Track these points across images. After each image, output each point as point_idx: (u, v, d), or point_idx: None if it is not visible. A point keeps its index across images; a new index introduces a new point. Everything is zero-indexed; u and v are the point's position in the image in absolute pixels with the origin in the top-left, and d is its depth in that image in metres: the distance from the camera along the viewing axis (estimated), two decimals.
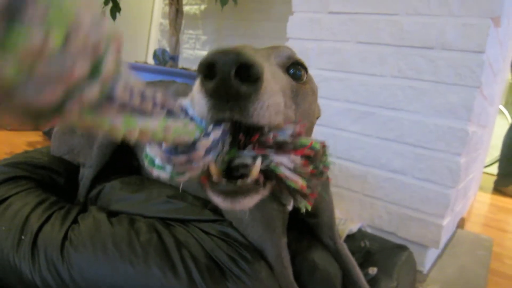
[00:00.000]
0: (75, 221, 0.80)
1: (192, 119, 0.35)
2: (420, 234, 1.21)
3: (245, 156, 0.37)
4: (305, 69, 0.51)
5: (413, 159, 1.23)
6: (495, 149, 3.46)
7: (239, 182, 0.36)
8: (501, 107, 3.78)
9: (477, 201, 2.69)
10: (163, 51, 2.20)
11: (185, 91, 1.01)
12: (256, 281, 0.64)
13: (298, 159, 0.37)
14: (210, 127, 0.35)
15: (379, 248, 1.03)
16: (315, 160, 0.39)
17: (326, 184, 0.80)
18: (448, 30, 1.15)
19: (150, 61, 2.78)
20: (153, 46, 3.07)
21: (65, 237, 0.73)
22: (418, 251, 1.22)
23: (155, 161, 0.37)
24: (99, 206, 0.92)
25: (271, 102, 0.35)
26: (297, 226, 0.82)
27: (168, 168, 0.36)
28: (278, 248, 0.69)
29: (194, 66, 2.58)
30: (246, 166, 0.37)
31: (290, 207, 0.72)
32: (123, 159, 1.07)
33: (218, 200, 0.37)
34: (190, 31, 2.71)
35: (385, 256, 1.00)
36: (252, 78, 0.33)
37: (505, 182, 3.06)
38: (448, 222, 1.26)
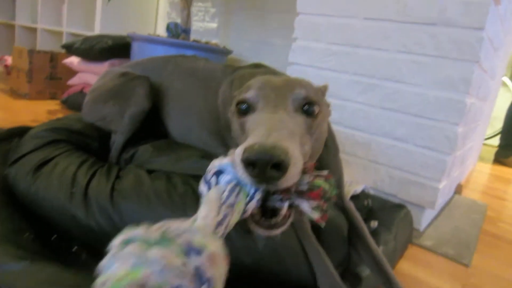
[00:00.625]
0: (117, 176, 0.92)
1: (237, 181, 0.47)
2: (418, 196, 1.33)
3: (275, 200, 0.49)
4: (318, 104, 0.59)
5: (414, 128, 1.34)
6: (498, 121, 3.52)
7: (273, 220, 0.49)
8: (506, 80, 3.81)
9: (477, 170, 2.80)
10: (176, 24, 2.28)
11: (211, 69, 1.11)
12: None
13: (314, 203, 0.49)
14: (252, 190, 0.47)
15: (380, 206, 1.15)
16: (325, 194, 0.50)
17: (335, 152, 0.89)
18: (450, 7, 1.23)
19: (159, 33, 2.85)
20: (161, 19, 3.13)
21: (112, 188, 0.85)
22: (416, 211, 1.34)
23: None
24: (133, 166, 1.03)
25: (294, 174, 0.46)
26: None
27: None
28: None
29: (204, 38, 2.66)
30: (275, 208, 0.50)
31: None
32: (151, 126, 1.18)
33: (259, 231, 0.50)
34: (200, 4, 2.77)
35: (385, 213, 1.12)
36: (282, 169, 0.44)
37: (506, 153, 3.16)
38: (444, 186, 1.38)
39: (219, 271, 0.35)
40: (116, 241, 0.36)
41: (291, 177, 0.45)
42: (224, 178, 0.48)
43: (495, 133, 3.78)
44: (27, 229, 0.85)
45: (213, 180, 0.49)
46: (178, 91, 1.12)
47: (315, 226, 0.82)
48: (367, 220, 1.05)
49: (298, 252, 0.77)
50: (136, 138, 1.13)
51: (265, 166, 0.42)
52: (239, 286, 0.71)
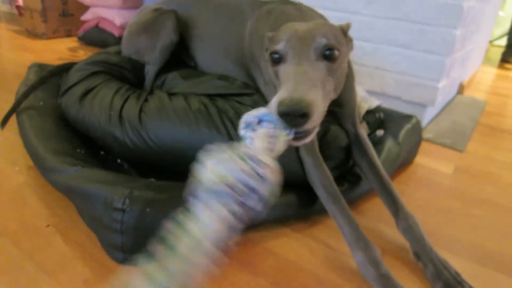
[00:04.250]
0: (145, 100, 1.07)
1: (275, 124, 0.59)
2: (420, 96, 1.50)
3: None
4: (337, 48, 0.68)
5: (416, 34, 1.46)
6: (509, 21, 3.51)
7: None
8: None
9: (482, 71, 2.90)
10: None
11: (237, 2, 1.18)
12: None
13: None
14: (288, 130, 0.59)
15: (391, 118, 1.27)
16: None
17: (352, 81, 0.99)
18: None
19: None
20: None
21: (140, 110, 1.01)
22: (419, 110, 1.52)
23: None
24: (164, 91, 1.20)
25: (316, 119, 0.58)
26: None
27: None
28: None
29: None
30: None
31: None
32: (182, 57, 1.33)
33: (295, 143, 0.63)
34: None
35: (394, 123, 1.24)
36: (306, 117, 0.56)
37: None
38: (444, 86, 1.53)
39: (275, 179, 0.51)
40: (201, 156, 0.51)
41: (313, 121, 0.59)
42: (265, 124, 0.60)
43: (505, 33, 3.77)
44: (80, 146, 1.02)
45: (255, 124, 0.62)
46: (206, 24, 1.24)
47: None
48: (375, 130, 1.20)
49: (294, 155, 0.90)
50: (168, 68, 1.28)
51: (295, 117, 0.57)
52: None
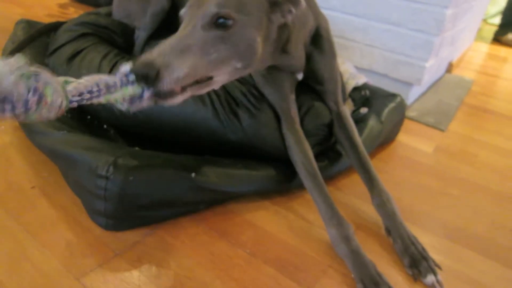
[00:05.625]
0: None
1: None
2: (407, 74, 1.51)
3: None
4: (232, 18, 0.68)
5: (408, 13, 1.45)
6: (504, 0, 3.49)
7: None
8: None
9: (473, 50, 2.91)
10: None
11: None
12: (258, 111, 0.93)
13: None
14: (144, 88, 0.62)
15: (376, 96, 1.27)
16: None
17: (331, 58, 0.98)
18: None
19: None
20: None
21: None
22: (404, 88, 1.53)
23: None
24: None
25: (170, 82, 0.60)
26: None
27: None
28: (286, 102, 0.94)
29: None
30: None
31: (299, 76, 0.96)
32: (170, 24, 1.31)
33: (159, 102, 0.65)
34: None
35: (379, 101, 1.25)
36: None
37: (504, 31, 3.21)
38: (432, 65, 1.54)
39: (46, 110, 0.52)
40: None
41: (166, 83, 0.61)
42: (123, 73, 0.63)
43: (499, 11, 3.76)
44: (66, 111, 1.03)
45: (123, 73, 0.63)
46: None
47: (300, 110, 0.98)
48: (360, 108, 1.21)
49: (276, 131, 0.93)
50: (159, 34, 1.26)
51: (143, 76, 0.60)
52: (227, 158, 0.90)
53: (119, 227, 0.77)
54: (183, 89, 0.64)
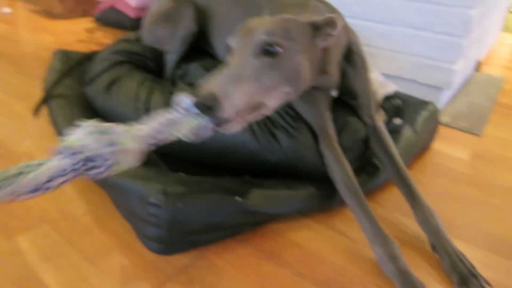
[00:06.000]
0: (170, 92, 1.10)
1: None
2: (436, 78, 1.50)
3: None
4: (281, 45, 0.71)
5: (432, 16, 1.45)
6: None
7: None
8: None
9: (500, 43, 2.85)
10: None
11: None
12: (296, 131, 0.95)
13: None
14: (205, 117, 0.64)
15: (408, 104, 1.27)
16: None
17: (363, 72, 1.00)
18: None
19: None
20: None
21: (166, 103, 1.03)
22: (435, 93, 1.53)
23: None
24: (185, 82, 1.23)
25: (229, 107, 0.63)
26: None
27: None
28: (322, 120, 0.96)
29: None
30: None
31: (334, 93, 0.98)
32: (200, 46, 1.35)
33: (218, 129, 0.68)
34: None
35: (411, 109, 1.24)
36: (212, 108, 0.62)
37: None
38: (460, 67, 1.53)
39: (125, 159, 0.56)
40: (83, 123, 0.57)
41: (224, 111, 0.63)
42: (184, 106, 0.66)
43: None
44: None
45: (182, 105, 0.66)
46: (223, 14, 1.25)
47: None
48: (393, 118, 1.21)
49: (315, 150, 0.93)
50: (188, 56, 1.30)
51: (203, 106, 0.62)
52: (265, 178, 0.92)
53: (170, 251, 0.81)
54: (240, 116, 0.67)
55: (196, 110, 0.63)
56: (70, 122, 1.07)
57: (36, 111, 1.18)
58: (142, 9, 2.39)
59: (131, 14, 2.39)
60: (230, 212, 0.82)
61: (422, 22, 1.48)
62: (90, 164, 0.54)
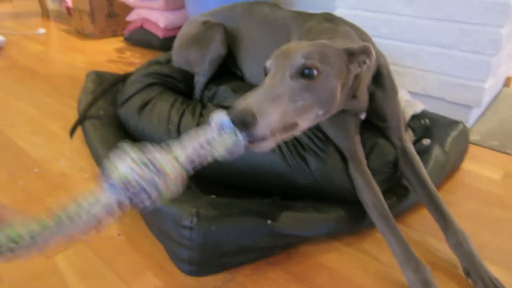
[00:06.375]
0: (200, 115, 1.13)
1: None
2: (466, 97, 1.49)
3: None
4: (318, 69, 0.73)
5: (459, 34, 1.45)
6: None
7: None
8: None
9: None
10: None
11: (281, 17, 1.23)
12: (325, 154, 0.96)
13: None
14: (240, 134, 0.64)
15: (437, 124, 1.25)
16: None
17: (393, 94, 1.01)
18: None
19: None
20: None
21: (197, 125, 1.07)
22: (464, 111, 1.51)
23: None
24: (214, 104, 1.26)
25: (265, 125, 0.64)
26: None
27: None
28: (352, 143, 0.97)
29: None
30: None
31: (363, 116, 0.99)
32: (228, 69, 1.39)
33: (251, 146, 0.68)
34: None
35: (441, 129, 1.23)
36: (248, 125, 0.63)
37: None
38: (490, 85, 1.51)
39: (169, 185, 0.57)
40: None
41: (260, 129, 0.64)
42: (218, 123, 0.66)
43: None
44: None
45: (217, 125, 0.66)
46: (252, 37, 1.29)
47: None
48: (421, 138, 1.20)
49: (344, 173, 0.94)
50: (217, 78, 1.34)
51: (239, 122, 0.63)
52: (294, 200, 0.94)
53: (202, 273, 0.83)
54: (273, 135, 0.68)
55: (231, 127, 0.64)
56: (105, 143, 1.11)
57: (72, 133, 1.23)
58: (170, 29, 2.46)
59: (160, 34, 2.47)
60: (261, 234, 0.83)
61: (449, 41, 1.48)
62: (143, 196, 0.55)
